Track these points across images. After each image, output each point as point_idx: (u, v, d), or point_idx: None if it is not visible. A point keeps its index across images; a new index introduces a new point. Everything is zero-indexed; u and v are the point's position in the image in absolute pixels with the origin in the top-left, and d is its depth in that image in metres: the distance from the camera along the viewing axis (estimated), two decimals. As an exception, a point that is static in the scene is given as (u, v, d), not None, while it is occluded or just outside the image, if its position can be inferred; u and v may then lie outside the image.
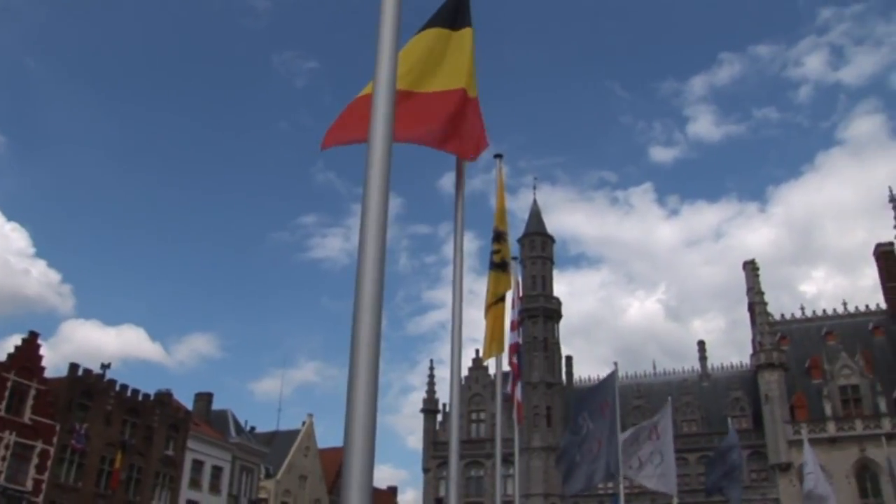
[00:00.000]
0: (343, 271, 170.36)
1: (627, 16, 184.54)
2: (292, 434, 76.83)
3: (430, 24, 8.72)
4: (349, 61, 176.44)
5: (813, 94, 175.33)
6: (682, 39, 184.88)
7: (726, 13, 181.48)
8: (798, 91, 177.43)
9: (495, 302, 12.15)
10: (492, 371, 64.78)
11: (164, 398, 60.55)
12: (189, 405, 66.10)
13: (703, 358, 77.67)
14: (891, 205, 69.34)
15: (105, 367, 57.16)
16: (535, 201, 79.42)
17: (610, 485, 62.67)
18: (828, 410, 63.51)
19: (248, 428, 72.09)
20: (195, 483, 61.55)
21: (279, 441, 74.89)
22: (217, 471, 63.80)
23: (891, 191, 70.28)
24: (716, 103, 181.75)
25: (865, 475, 61.33)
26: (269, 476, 71.01)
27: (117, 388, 57.06)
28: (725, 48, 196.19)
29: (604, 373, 78.92)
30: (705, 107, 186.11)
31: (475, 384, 71.67)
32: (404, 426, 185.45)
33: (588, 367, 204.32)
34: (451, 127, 8.31)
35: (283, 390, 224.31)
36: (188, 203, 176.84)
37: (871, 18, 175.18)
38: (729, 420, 54.04)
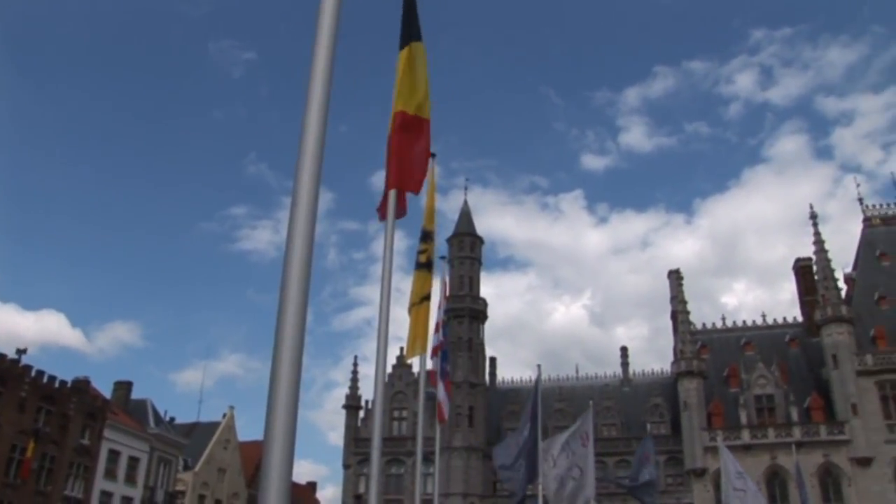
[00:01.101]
0: (271, 264, 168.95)
1: (566, 24, 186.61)
2: (212, 426, 75.92)
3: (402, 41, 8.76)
4: (288, 54, 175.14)
5: (742, 112, 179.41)
6: (619, 51, 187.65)
7: (663, 28, 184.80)
8: (728, 108, 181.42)
9: (420, 301, 12.17)
10: (415, 369, 64.85)
11: (82, 385, 59.16)
12: (108, 394, 64.81)
13: (625, 364, 78.81)
14: (811, 221, 71.13)
15: (21, 352, 55.44)
16: (465, 202, 79.78)
17: (529, 486, 63.16)
18: (743, 419, 64.94)
19: (167, 419, 70.98)
20: (110, 473, 60.35)
21: (199, 433, 73.93)
22: (134, 461, 62.65)
23: (812, 208, 72.14)
24: (648, 115, 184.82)
25: (775, 482, 62.89)
26: (187, 468, 70.05)
27: (32, 373, 55.45)
28: (660, 62, 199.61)
29: (527, 375, 79.84)
30: (638, 118, 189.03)
31: (399, 382, 71.61)
32: (326, 422, 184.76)
33: (511, 369, 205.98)
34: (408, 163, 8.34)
35: (204, 382, 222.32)
36: (116, 189, 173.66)
37: (800, 42, 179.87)
38: (648, 425, 55.04)
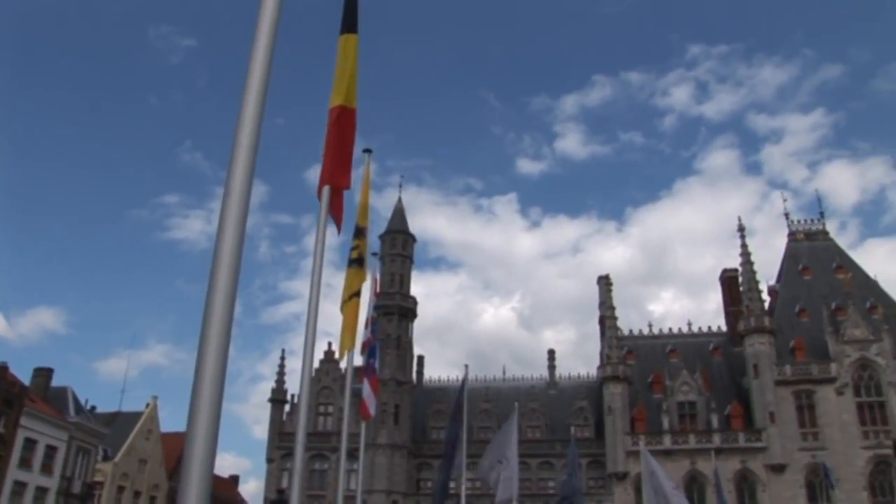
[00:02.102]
0: (201, 254, 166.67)
1: (508, 29, 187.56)
2: (135, 416, 74.58)
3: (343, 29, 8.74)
4: (228, 44, 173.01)
5: (676, 124, 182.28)
6: (559, 59, 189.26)
7: (603, 38, 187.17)
8: (663, 119, 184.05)
9: (350, 297, 12.15)
10: (343, 365, 64.57)
11: (-1, 371, 57.60)
12: (27, 381, 63.19)
13: (551, 367, 79.45)
14: (739, 234, 72.68)
15: (-64, 334, 53.88)
16: (399, 199, 79.60)
17: (452, 483, 63.37)
18: (665, 424, 66.04)
19: (88, 407, 69.54)
20: (25, 463, 58.74)
21: (120, 423, 72.57)
22: (51, 450, 61.12)
23: (740, 221, 73.66)
24: (585, 123, 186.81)
25: (694, 486, 64.09)
26: (107, 458, 68.72)
27: (-53, 358, 53.89)
28: (599, 71, 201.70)
29: (454, 375, 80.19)
30: (575, 125, 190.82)
31: (325, 377, 71.26)
32: (251, 415, 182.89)
33: (439, 368, 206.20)
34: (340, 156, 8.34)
35: (129, 371, 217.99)
36: (45, 172, 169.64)
37: (735, 60, 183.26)
38: (572, 428, 55.68)
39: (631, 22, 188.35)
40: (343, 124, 8.39)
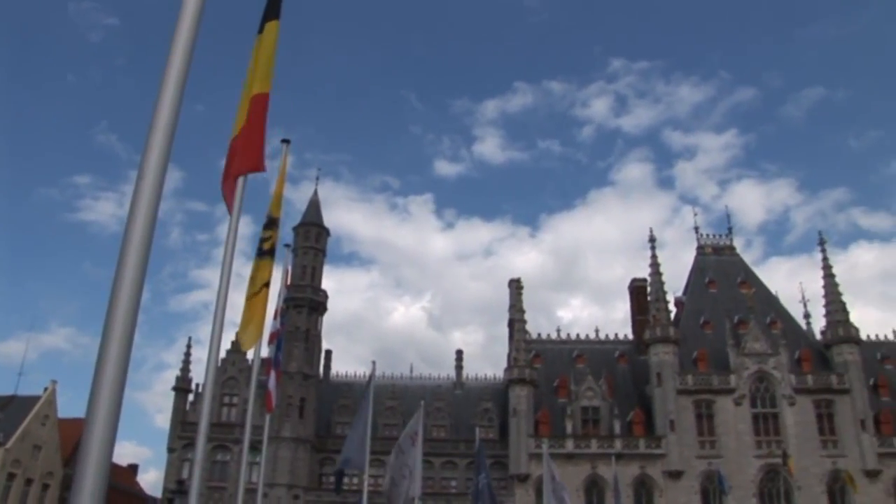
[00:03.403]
0: (111, 238, 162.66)
1: (434, 31, 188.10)
2: (31, 400, 72.36)
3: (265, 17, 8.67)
4: (151, 25, 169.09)
5: (594, 135, 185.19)
6: (483, 63, 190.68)
7: (528, 46, 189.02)
8: (581, 130, 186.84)
9: (260, 288, 12.03)
10: (250, 356, 63.91)
11: None
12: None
13: (459, 367, 79.81)
14: (649, 245, 74.12)
15: None
16: (315, 192, 78.96)
17: (355, 480, 63.25)
18: (569, 428, 66.91)
19: (-20, 389, 67.29)
20: (-88, 442, 56.72)
21: (15, 407, 70.36)
22: (-60, 431, 59.10)
23: (651, 232, 75.12)
24: (504, 128, 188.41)
25: (593, 490, 65.17)
26: (-2, 443, 66.60)
27: None
28: (521, 78, 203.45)
29: (361, 371, 79.86)
30: (494, 130, 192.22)
31: (232, 367, 70.29)
32: (154, 404, 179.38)
33: (346, 363, 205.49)
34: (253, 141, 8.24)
35: (27, 354, 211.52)
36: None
37: (654, 77, 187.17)
38: (477, 429, 55.69)
39: (556, 32, 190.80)
40: (260, 109, 8.34)
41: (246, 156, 8.18)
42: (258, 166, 8.27)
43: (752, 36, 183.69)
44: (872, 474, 64.65)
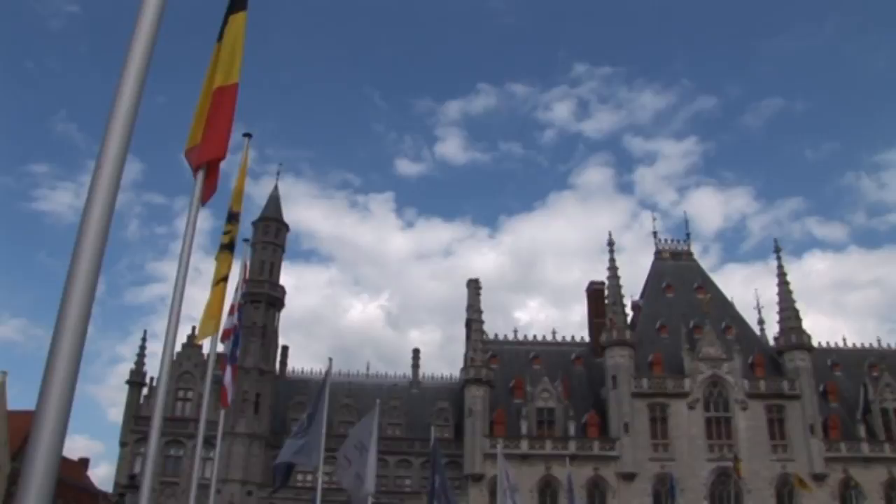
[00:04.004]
0: (67, 229, 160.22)
1: (399, 30, 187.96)
2: (-21, 391, 71.25)
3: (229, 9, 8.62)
4: (113, 14, 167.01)
5: (556, 139, 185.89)
6: (447, 64, 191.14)
7: (492, 48, 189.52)
8: (543, 133, 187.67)
9: (218, 282, 11.94)
10: (206, 350, 63.36)
11: None
12: None
13: (415, 366, 79.78)
14: (608, 248, 74.60)
15: None
16: (276, 187, 78.48)
17: (309, 477, 63.03)
18: (524, 429, 67.16)
19: (-72, 379, 66.06)
20: None
21: (-37, 397, 69.24)
22: None
23: (610, 236, 75.66)
24: (467, 129, 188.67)
25: (547, 491, 65.52)
26: (-55, 433, 65.45)
27: None
28: (485, 80, 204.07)
29: (318, 368, 79.45)
30: (456, 130, 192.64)
31: (187, 361, 69.69)
32: (107, 397, 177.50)
33: (303, 360, 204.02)
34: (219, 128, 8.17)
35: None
36: None
37: (617, 83, 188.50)
38: (432, 428, 55.68)
39: (521, 35, 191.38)
40: (227, 99, 8.29)
41: (210, 144, 8.12)
42: (220, 153, 8.21)
43: (714, 46, 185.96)
44: (819, 478, 65.82)
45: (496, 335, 76.99)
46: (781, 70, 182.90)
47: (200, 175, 8.29)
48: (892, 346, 79.72)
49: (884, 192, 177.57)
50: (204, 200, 8.31)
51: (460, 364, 72.17)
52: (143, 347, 72.62)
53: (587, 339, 78.51)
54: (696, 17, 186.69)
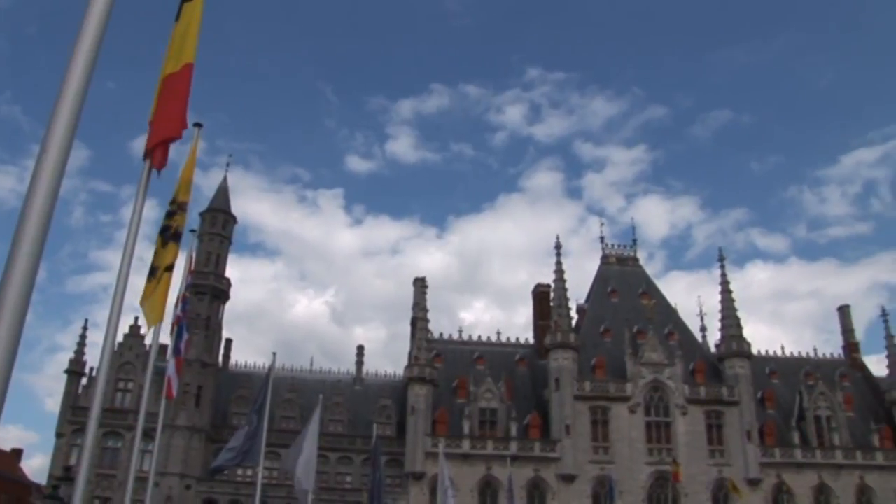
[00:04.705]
0: (8, 214, 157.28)
1: (355, 27, 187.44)
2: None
3: None
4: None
5: (507, 141, 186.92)
6: (401, 63, 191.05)
7: (448, 49, 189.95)
8: (495, 135, 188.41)
9: (162, 272, 11.77)
10: (149, 341, 62.50)
11: None
12: None
13: (359, 363, 79.51)
14: (555, 252, 75.04)
15: None
16: (225, 178, 77.59)
17: (249, 472, 62.54)
18: (466, 429, 67.29)
19: None
20: None
21: None
22: None
23: (558, 239, 76.13)
24: (419, 128, 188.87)
25: (487, 491, 65.72)
26: None
27: None
28: (438, 80, 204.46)
29: (261, 362, 78.87)
30: (408, 129, 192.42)
31: (129, 352, 68.69)
32: (44, 387, 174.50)
33: (246, 353, 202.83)
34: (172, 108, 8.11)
35: None
36: None
37: (569, 88, 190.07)
38: (374, 425, 55.61)
39: (477, 37, 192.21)
40: (183, 79, 8.22)
41: (164, 123, 8.05)
42: (175, 133, 8.13)
43: (666, 56, 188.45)
44: (754, 483, 67.11)
45: (441, 334, 77.04)
46: (731, 83, 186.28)
47: (146, 165, 8.20)
48: (828, 355, 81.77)
49: (824, 207, 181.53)
50: (158, 168, 8.22)
51: (404, 362, 72.11)
52: (83, 336, 71.42)
53: (531, 340, 78.95)
54: (649, 27, 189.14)
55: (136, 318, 70.52)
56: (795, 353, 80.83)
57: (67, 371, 69.57)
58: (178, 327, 19.92)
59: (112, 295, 8.31)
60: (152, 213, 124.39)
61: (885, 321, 77.71)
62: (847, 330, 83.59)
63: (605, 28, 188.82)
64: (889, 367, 76.14)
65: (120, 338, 67.38)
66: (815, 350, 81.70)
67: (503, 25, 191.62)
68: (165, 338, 21.10)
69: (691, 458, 66.94)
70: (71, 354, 70.50)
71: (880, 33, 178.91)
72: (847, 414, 72.63)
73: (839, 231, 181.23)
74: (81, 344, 70.70)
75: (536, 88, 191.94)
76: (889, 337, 76.82)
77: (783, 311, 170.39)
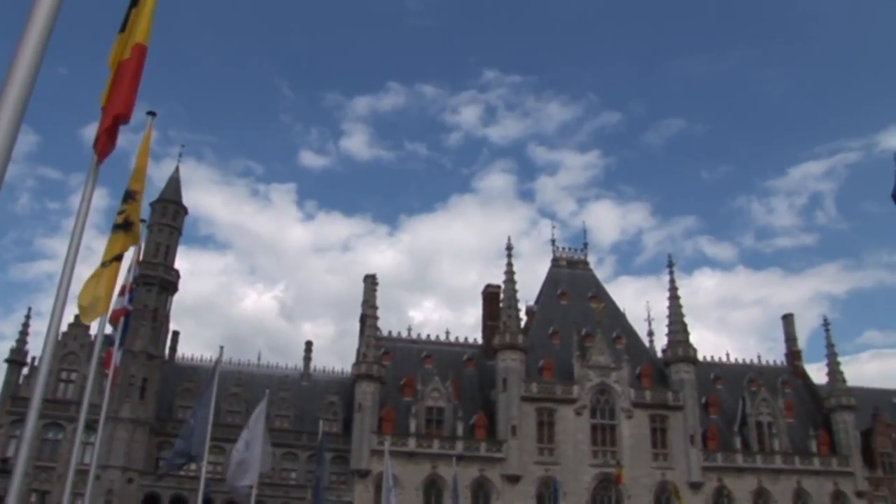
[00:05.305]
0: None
1: (314, 22, 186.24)
2: None
3: None
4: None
5: (461, 142, 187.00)
6: (359, 60, 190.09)
7: (406, 48, 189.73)
8: (449, 135, 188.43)
9: (110, 262, 11.62)
10: (93, 331, 61.60)
11: None
12: None
13: (307, 358, 79.10)
14: (506, 253, 75.33)
15: None
16: (177, 169, 76.72)
17: (193, 466, 61.95)
18: (412, 427, 67.31)
19: None
20: None
21: None
22: None
23: (509, 240, 76.43)
24: (374, 126, 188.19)
25: (433, 490, 65.79)
26: None
27: None
28: (395, 79, 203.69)
29: (208, 355, 78.21)
30: (363, 127, 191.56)
31: (73, 342, 67.63)
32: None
33: (193, 346, 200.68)
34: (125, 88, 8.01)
35: None
36: None
37: (525, 92, 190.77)
38: (321, 422, 55.54)
39: (435, 37, 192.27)
40: (136, 61, 8.13)
41: (116, 102, 7.94)
42: (125, 113, 8.02)
43: (622, 63, 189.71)
44: (696, 486, 68.11)
45: (390, 332, 76.86)
46: (685, 93, 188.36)
47: (95, 157, 8.10)
48: (771, 363, 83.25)
49: (772, 217, 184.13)
50: (101, 158, 8.10)
51: (353, 359, 71.90)
52: (26, 325, 70.20)
53: (480, 341, 79.07)
54: (606, 34, 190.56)
55: (82, 308, 69.34)
56: (740, 360, 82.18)
57: (8, 360, 68.32)
58: (124, 318, 19.67)
59: (57, 284, 8.19)
60: (102, 201, 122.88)
61: (827, 330, 79.19)
62: (790, 338, 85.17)
63: (562, 33, 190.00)
64: (829, 374, 77.65)
65: (64, 327, 66.37)
66: (758, 357, 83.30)
67: (462, 27, 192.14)
68: (110, 328, 20.79)
69: (635, 460, 67.68)
70: (12, 343, 69.30)
71: (831, 51, 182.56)
72: (787, 420, 74.02)
73: (785, 241, 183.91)
74: (24, 332, 69.51)
75: (492, 90, 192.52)
76: (830, 346, 78.27)
77: (729, 318, 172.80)
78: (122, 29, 8.48)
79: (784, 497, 70.10)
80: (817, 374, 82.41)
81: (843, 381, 76.34)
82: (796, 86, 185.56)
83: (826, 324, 79.82)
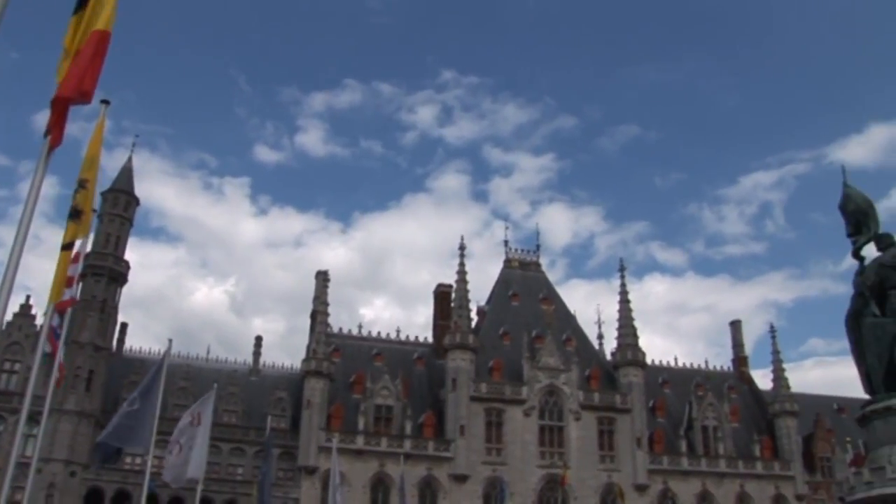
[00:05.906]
0: None
1: (272, 16, 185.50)
2: None
3: None
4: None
5: (417, 141, 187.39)
6: (315, 56, 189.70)
7: (364, 45, 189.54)
8: (405, 134, 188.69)
9: (62, 250, 11.52)
10: (39, 321, 60.69)
11: None
12: None
13: (257, 354, 78.55)
14: (459, 253, 75.46)
15: None
16: (130, 158, 75.68)
17: (138, 460, 61.32)
18: (361, 425, 67.17)
19: None
20: None
21: None
22: None
23: (462, 240, 76.57)
24: (329, 122, 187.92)
25: (380, 488, 65.66)
26: None
27: None
28: (352, 76, 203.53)
29: (157, 348, 77.40)
30: (319, 123, 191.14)
31: (17, 332, 66.49)
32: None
33: (141, 339, 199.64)
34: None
35: None
36: None
37: (482, 93, 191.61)
38: (269, 418, 55.20)
39: (394, 36, 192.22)
40: (100, 45, 8.05)
41: (74, 80, 7.83)
42: (86, 96, 7.93)
43: (579, 68, 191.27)
44: (641, 488, 68.85)
45: (340, 329, 76.58)
46: (640, 99, 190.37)
47: (46, 142, 8.02)
48: (718, 368, 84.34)
49: (722, 225, 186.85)
50: (53, 145, 8.01)
51: (302, 355, 71.49)
52: (-31, 314, 68.83)
53: (431, 340, 79.14)
54: (564, 38, 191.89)
55: (28, 297, 68.52)
56: (688, 365, 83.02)
57: (-50, 349, 67.00)
58: (72, 309, 19.40)
59: (3, 272, 8.10)
60: (52, 190, 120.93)
61: (773, 337, 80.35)
62: (737, 344, 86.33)
63: (520, 36, 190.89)
64: (773, 381, 78.79)
65: (9, 317, 65.31)
66: (706, 362, 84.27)
67: (421, 26, 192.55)
68: (57, 319, 20.50)
69: (582, 462, 68.23)
70: (-45, 332, 68.00)
71: (784, 63, 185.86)
72: (732, 425, 75.01)
73: (735, 249, 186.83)
74: (-33, 322, 68.11)
75: (449, 91, 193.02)
76: (775, 352, 79.41)
77: (678, 323, 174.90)
78: (77, 10, 8.34)
79: (727, 500, 71.08)
80: (763, 380, 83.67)
81: (788, 387, 77.51)
82: (749, 96, 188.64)
83: (772, 331, 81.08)
